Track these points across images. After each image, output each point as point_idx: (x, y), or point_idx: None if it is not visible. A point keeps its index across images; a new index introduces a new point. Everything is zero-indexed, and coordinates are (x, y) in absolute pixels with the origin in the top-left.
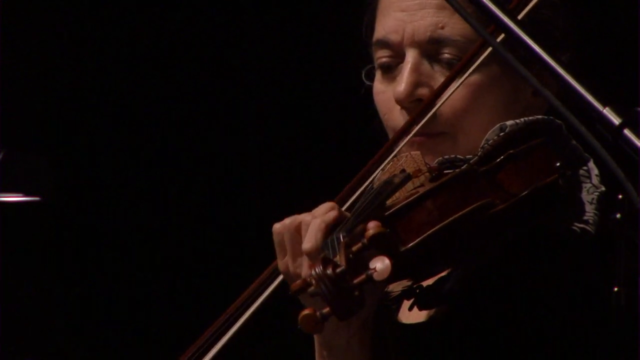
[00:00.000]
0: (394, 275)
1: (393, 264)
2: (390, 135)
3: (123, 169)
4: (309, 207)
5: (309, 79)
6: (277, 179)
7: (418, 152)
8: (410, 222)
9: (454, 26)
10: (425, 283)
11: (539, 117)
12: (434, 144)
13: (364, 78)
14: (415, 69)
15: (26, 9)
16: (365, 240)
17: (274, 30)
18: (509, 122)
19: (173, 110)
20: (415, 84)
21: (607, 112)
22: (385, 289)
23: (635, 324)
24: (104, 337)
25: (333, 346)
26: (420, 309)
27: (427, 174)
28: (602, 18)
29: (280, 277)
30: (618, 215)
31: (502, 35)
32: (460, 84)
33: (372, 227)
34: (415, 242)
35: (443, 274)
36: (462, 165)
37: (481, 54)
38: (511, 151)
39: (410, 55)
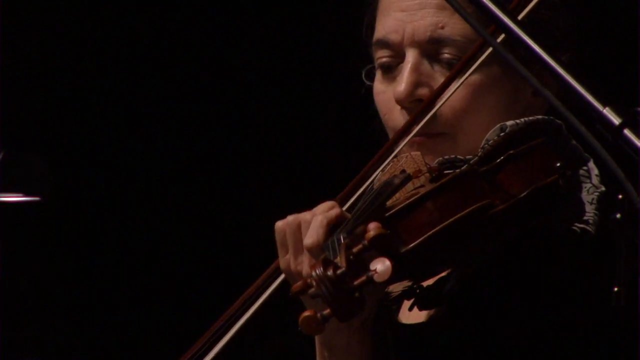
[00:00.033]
0: (395, 276)
1: (393, 265)
2: (391, 136)
3: (123, 169)
4: (309, 208)
5: (309, 79)
6: (278, 179)
7: (418, 153)
8: (411, 223)
9: (454, 26)
10: (425, 283)
11: (539, 117)
12: (434, 144)
13: (364, 78)
14: (416, 69)
15: (26, 9)
16: (365, 242)
17: (274, 30)
18: (509, 123)
19: (173, 110)
20: (416, 84)
21: (607, 112)
22: (386, 289)
23: (635, 324)
24: (104, 337)
25: (334, 346)
26: (420, 309)
27: (427, 174)
28: (602, 18)
29: (281, 277)
30: (618, 215)
31: (502, 35)
32: (461, 84)
33: (373, 228)
34: (416, 243)
35: (443, 274)
36: (462, 166)
37: (481, 54)
38: (511, 151)
39: (411, 55)
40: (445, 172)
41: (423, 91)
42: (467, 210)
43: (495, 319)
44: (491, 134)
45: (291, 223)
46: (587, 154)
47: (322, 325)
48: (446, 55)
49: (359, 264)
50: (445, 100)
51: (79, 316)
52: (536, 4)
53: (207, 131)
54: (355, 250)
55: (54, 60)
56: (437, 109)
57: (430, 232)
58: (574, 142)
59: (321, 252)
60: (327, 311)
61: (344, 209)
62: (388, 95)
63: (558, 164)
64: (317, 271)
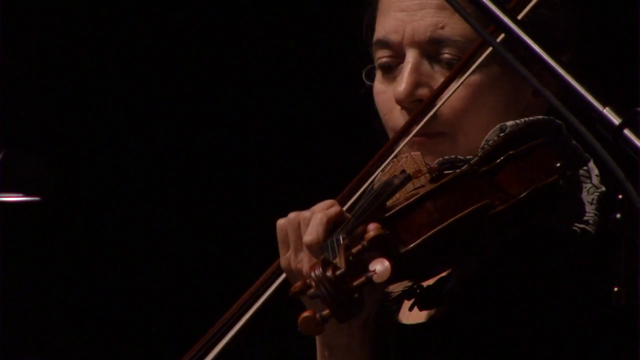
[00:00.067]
0: (394, 276)
1: (393, 266)
2: (391, 136)
3: (123, 169)
4: (310, 207)
5: (309, 79)
6: (278, 180)
7: (418, 153)
8: (411, 223)
9: (454, 26)
10: (425, 283)
11: (539, 117)
12: (434, 144)
13: (364, 78)
14: (416, 69)
15: (26, 9)
16: (365, 242)
17: (274, 30)
18: (509, 123)
19: (173, 110)
20: (416, 84)
21: (607, 112)
22: (386, 289)
23: (635, 324)
24: (104, 337)
25: (334, 346)
26: (420, 309)
27: (427, 174)
28: (602, 18)
29: (281, 278)
30: (618, 215)
31: (502, 35)
32: (460, 84)
33: (372, 229)
34: (416, 243)
35: (443, 274)
36: (462, 166)
37: (481, 54)
38: (511, 152)
39: (411, 56)
40: (445, 172)
41: (423, 91)
42: (467, 211)
43: (496, 319)
44: (491, 134)
45: (292, 221)
46: (587, 154)
47: (321, 326)
48: (446, 56)
49: (359, 264)
50: (445, 101)
51: (79, 316)
52: (536, 3)
53: (207, 131)
54: (354, 250)
55: (54, 60)
56: (437, 109)
57: (430, 233)
58: (574, 142)
59: (321, 251)
60: (326, 312)
61: (344, 209)
62: (388, 95)
63: (558, 164)
64: (316, 272)
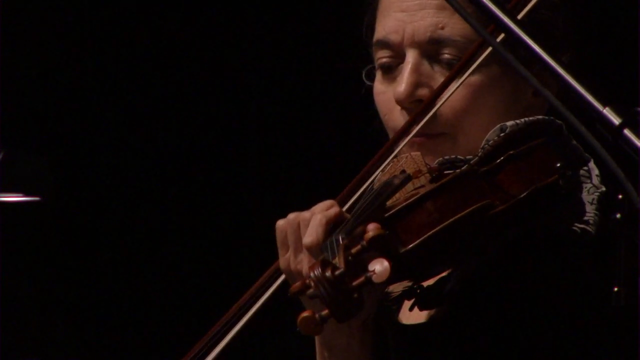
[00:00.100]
0: (394, 276)
1: (392, 266)
2: (391, 136)
3: (123, 169)
4: (310, 208)
5: (309, 79)
6: (278, 180)
7: (418, 153)
8: (410, 223)
9: (454, 26)
10: (425, 283)
11: (540, 117)
12: (434, 144)
13: (364, 78)
14: (416, 69)
15: (26, 9)
16: (364, 243)
17: (274, 30)
18: (509, 123)
19: (173, 110)
20: (416, 85)
21: (607, 112)
22: (386, 289)
23: (635, 324)
24: (104, 337)
25: (333, 346)
26: (420, 309)
27: (428, 174)
28: (602, 18)
29: (281, 279)
30: (618, 216)
31: (502, 35)
32: (460, 84)
33: (372, 229)
34: (415, 243)
35: (444, 274)
36: (463, 166)
37: (481, 54)
38: (511, 152)
39: (411, 56)
40: (445, 172)
41: (423, 92)
42: (467, 211)
43: (496, 319)
44: (491, 134)
45: (292, 222)
46: (587, 154)
47: (320, 326)
48: (446, 56)
49: (358, 264)
50: (445, 101)
51: (79, 316)
52: (535, 3)
53: (207, 131)
54: (354, 250)
55: (54, 60)
56: (437, 109)
57: (430, 233)
58: (574, 142)
59: (320, 252)
60: (325, 312)
61: (344, 209)
62: (388, 95)
63: (558, 164)
64: (316, 272)
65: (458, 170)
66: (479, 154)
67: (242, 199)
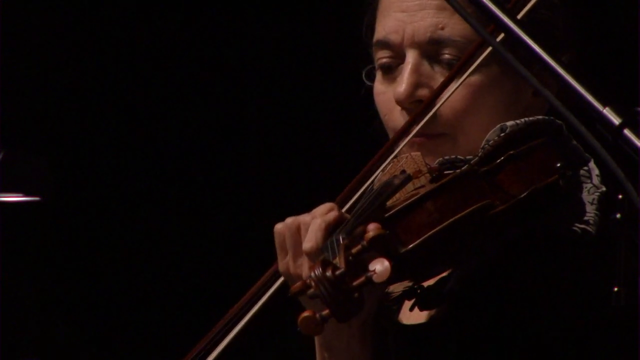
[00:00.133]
0: (394, 276)
1: (392, 266)
2: (391, 136)
3: (123, 169)
4: (309, 209)
5: (309, 79)
6: (278, 180)
7: (418, 153)
8: (411, 223)
9: (454, 27)
10: (426, 283)
11: (540, 117)
12: (434, 144)
13: (364, 78)
14: (416, 69)
15: (26, 9)
16: (364, 242)
17: (274, 30)
18: (510, 123)
19: (173, 110)
20: (416, 85)
21: (607, 112)
22: (386, 289)
23: (635, 324)
24: (104, 337)
25: (333, 347)
26: (421, 309)
27: (428, 174)
28: (602, 18)
29: (281, 279)
30: (618, 216)
31: (502, 35)
32: (460, 84)
33: (372, 229)
34: (416, 243)
35: (444, 274)
36: (463, 166)
37: (481, 54)
38: (511, 152)
39: (411, 56)
40: (445, 172)
41: (423, 92)
42: (467, 211)
43: (496, 319)
44: (491, 134)
45: (290, 226)
46: (587, 154)
47: (321, 326)
48: (446, 56)
49: (358, 264)
50: (445, 101)
51: (79, 316)
52: (535, 3)
53: (207, 131)
54: (354, 250)
55: (54, 60)
56: (437, 110)
57: (430, 233)
58: (574, 142)
59: (320, 255)
60: (326, 312)
61: (344, 209)
62: (388, 95)
63: (558, 164)
64: (316, 272)
65: (458, 171)
66: (479, 154)
67: (242, 198)
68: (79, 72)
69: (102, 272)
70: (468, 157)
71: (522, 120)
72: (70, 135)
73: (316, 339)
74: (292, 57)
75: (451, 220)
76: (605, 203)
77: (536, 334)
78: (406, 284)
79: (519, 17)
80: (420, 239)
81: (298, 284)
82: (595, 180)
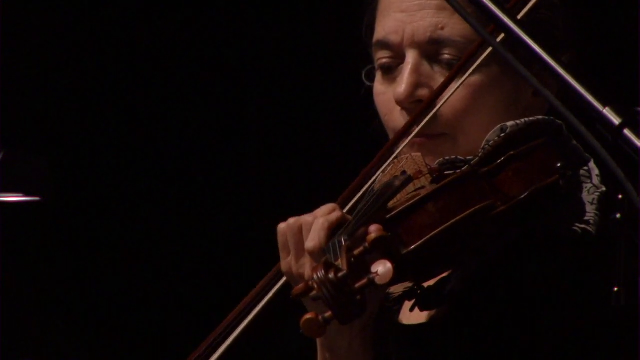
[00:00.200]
0: (396, 277)
1: (395, 268)
2: (391, 137)
3: (123, 169)
4: (310, 209)
5: (309, 79)
6: (278, 181)
7: (419, 154)
8: (412, 224)
9: (454, 27)
10: (426, 284)
11: (540, 117)
12: (435, 145)
13: (364, 79)
14: (416, 69)
15: (26, 9)
16: (366, 244)
17: (274, 30)
18: (510, 123)
19: (173, 110)
20: (416, 85)
21: (607, 112)
22: (387, 290)
23: (635, 324)
24: (104, 337)
25: (335, 348)
26: (421, 309)
27: (428, 175)
28: (602, 18)
29: (283, 281)
30: (618, 215)
31: (502, 35)
32: (460, 84)
33: (374, 230)
34: (417, 244)
35: (444, 275)
36: (463, 166)
37: (481, 54)
38: (512, 152)
39: (411, 56)
40: (446, 172)
41: (423, 92)
42: (468, 212)
43: (496, 319)
44: (491, 135)
45: (293, 226)
46: (587, 154)
47: (323, 328)
48: (446, 56)
49: (360, 266)
50: (445, 101)
51: (79, 316)
52: (535, 3)
53: (207, 131)
54: (356, 252)
55: (54, 60)
56: (437, 110)
57: (432, 234)
58: (574, 142)
59: (323, 255)
60: (328, 314)
61: (345, 210)
62: (388, 96)
63: (559, 165)
64: (319, 274)
65: (459, 171)
66: (480, 155)
67: (242, 199)
68: (79, 72)
69: (102, 272)
70: (468, 157)
71: (522, 120)
72: (70, 135)
73: (318, 341)
74: (292, 57)
75: (452, 221)
76: (605, 203)
77: (537, 334)
78: (407, 284)
79: (519, 17)
80: (422, 240)
81: (300, 285)
82: (595, 180)
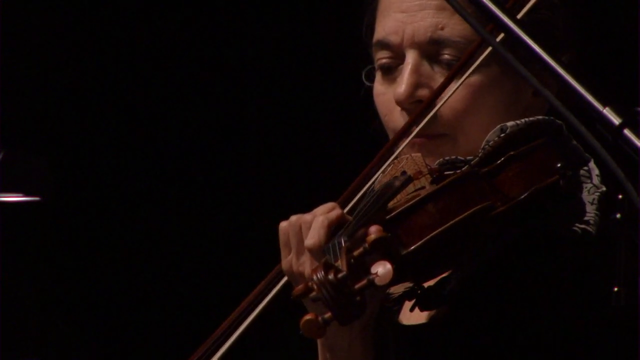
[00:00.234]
0: (396, 278)
1: (394, 268)
2: (391, 137)
3: (123, 169)
4: (310, 209)
5: (309, 79)
6: (278, 181)
7: (419, 154)
8: (412, 225)
9: (454, 27)
10: (426, 284)
11: (540, 117)
12: (435, 145)
13: (364, 79)
14: (416, 70)
15: (26, 9)
16: (366, 245)
17: (274, 30)
18: (510, 123)
19: (173, 110)
20: (416, 85)
21: (607, 112)
22: (387, 291)
23: (635, 324)
24: (105, 337)
25: (335, 348)
26: (421, 310)
27: (428, 175)
28: (602, 18)
29: (283, 281)
30: (618, 216)
31: (502, 35)
32: (460, 84)
33: (374, 231)
34: (417, 245)
35: (444, 275)
36: (463, 166)
37: (481, 54)
38: (512, 152)
39: (410, 57)
40: (446, 173)
41: (423, 92)
42: (468, 212)
43: (496, 319)
44: (491, 135)
45: (293, 224)
46: (587, 154)
47: (323, 329)
48: (446, 57)
49: (360, 267)
50: (445, 101)
51: (79, 316)
52: (535, 3)
53: (207, 131)
54: (356, 253)
55: (54, 60)
56: (437, 110)
57: (432, 234)
58: (574, 142)
59: (322, 254)
60: (328, 314)
61: (345, 211)
62: (388, 96)
63: (559, 165)
64: (318, 275)
65: (459, 172)
66: (480, 155)
67: (243, 199)
68: (79, 72)
69: (102, 272)
70: (468, 157)
71: (522, 120)
72: (70, 135)
73: (318, 342)
74: (292, 57)
75: (452, 221)
76: (605, 203)
77: (537, 335)
78: (406, 284)
79: (518, 17)
80: (422, 241)
81: (300, 286)
82: (595, 180)
